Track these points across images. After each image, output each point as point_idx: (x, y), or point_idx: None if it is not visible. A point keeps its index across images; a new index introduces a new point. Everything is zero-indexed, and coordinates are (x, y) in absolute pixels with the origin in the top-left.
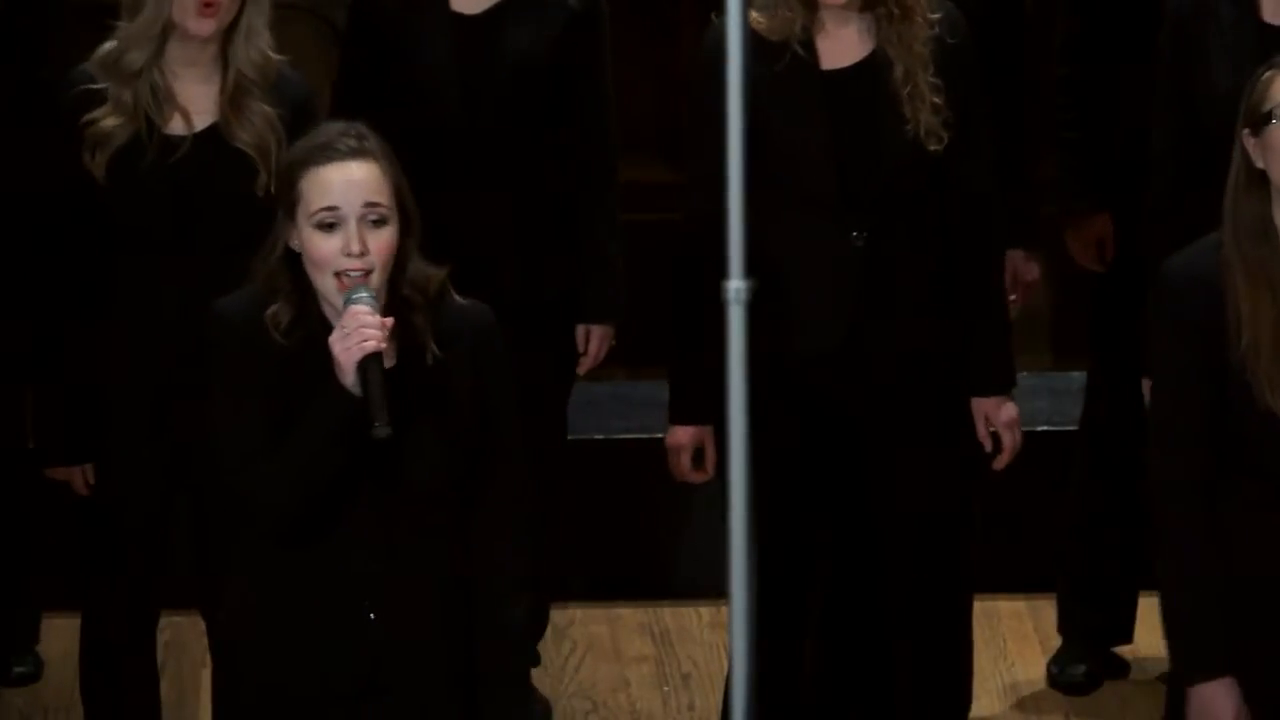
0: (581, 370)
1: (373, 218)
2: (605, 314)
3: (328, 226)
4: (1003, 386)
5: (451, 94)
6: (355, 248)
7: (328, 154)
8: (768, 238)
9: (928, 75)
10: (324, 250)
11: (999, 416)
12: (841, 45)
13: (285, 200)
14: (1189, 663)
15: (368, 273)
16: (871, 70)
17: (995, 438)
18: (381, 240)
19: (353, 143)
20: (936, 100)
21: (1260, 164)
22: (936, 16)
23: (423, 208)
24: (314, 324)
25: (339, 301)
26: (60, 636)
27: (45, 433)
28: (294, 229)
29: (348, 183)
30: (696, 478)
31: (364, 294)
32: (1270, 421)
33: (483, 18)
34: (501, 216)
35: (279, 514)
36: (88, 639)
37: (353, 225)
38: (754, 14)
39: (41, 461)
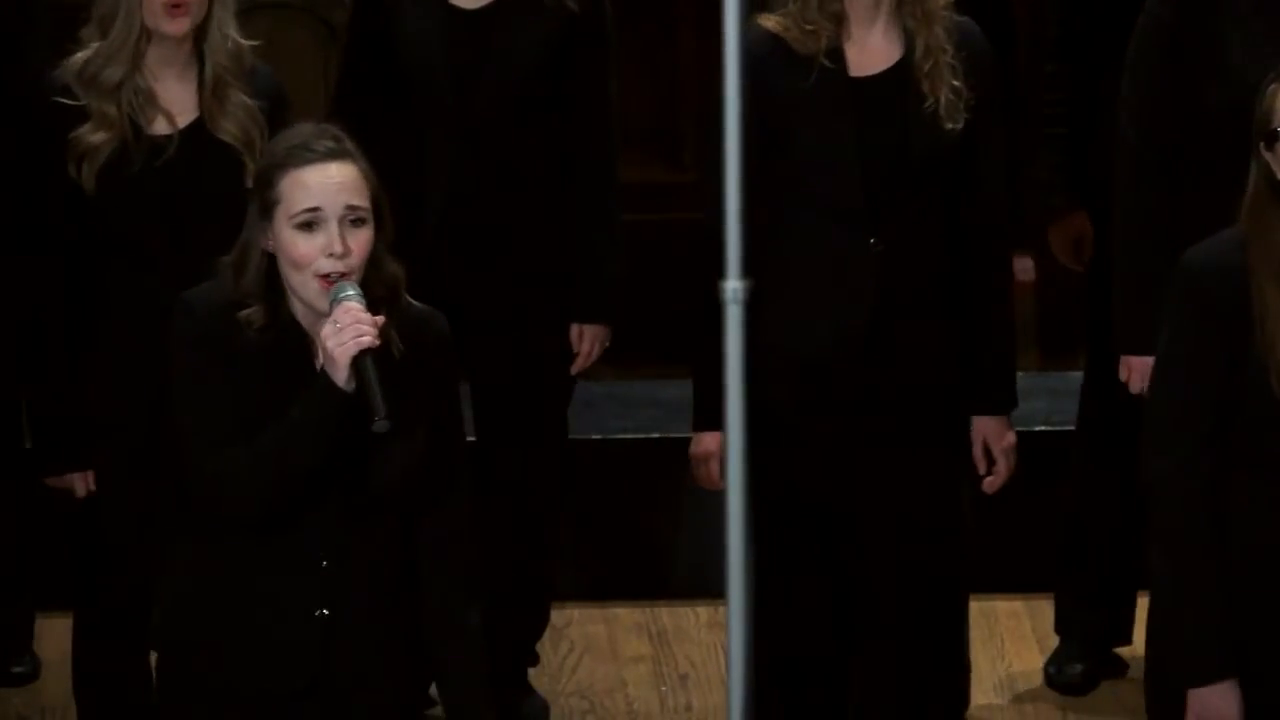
0: (574, 370)
1: (353, 219)
2: (598, 314)
3: (308, 227)
4: (1004, 406)
5: (443, 87)
6: (338, 248)
7: (307, 155)
8: (790, 242)
9: (947, 57)
10: (305, 250)
11: (999, 441)
12: (870, 53)
13: (262, 201)
14: (1189, 665)
15: (346, 273)
16: (900, 75)
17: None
18: (361, 240)
19: (331, 144)
20: (955, 82)
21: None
22: None
23: (417, 202)
24: (285, 323)
25: (320, 302)
26: (58, 637)
27: (44, 441)
28: (270, 230)
29: (329, 184)
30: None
31: (351, 291)
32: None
33: (479, 13)
34: (498, 213)
35: (251, 500)
36: (82, 639)
37: (334, 226)
38: (779, 20)
39: (40, 470)
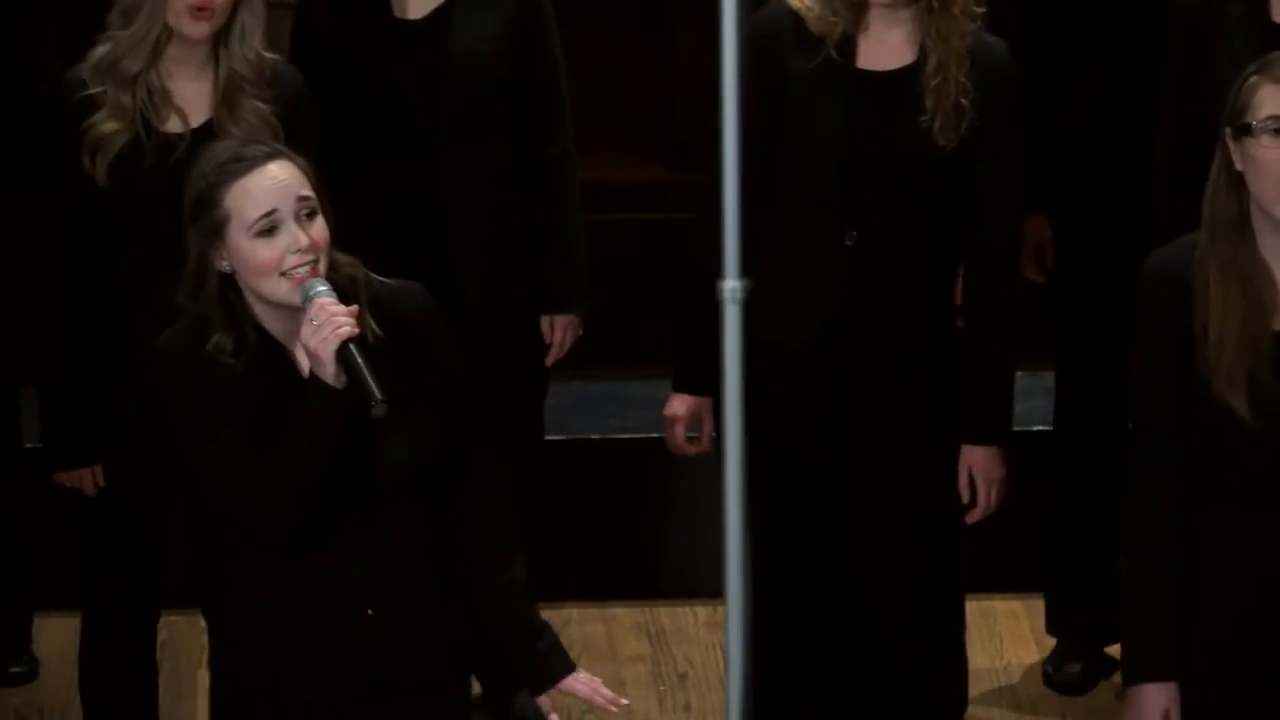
0: (549, 361)
1: (306, 211)
2: (569, 303)
3: (268, 232)
4: (992, 438)
5: (410, 100)
6: (304, 242)
7: (244, 164)
8: (773, 226)
9: (959, 73)
10: (269, 255)
11: (983, 473)
12: (884, 48)
13: (208, 223)
14: (1134, 662)
15: (314, 265)
16: (908, 77)
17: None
18: (318, 230)
19: (262, 147)
20: (963, 101)
21: (1240, 167)
22: (980, 10)
23: (389, 211)
24: (256, 339)
25: (294, 298)
26: (56, 636)
27: (54, 436)
28: (221, 249)
29: (277, 184)
30: (690, 449)
31: (321, 287)
32: (1228, 418)
33: (428, 21)
34: (470, 217)
35: (281, 523)
36: (88, 638)
37: (292, 224)
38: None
39: (51, 465)
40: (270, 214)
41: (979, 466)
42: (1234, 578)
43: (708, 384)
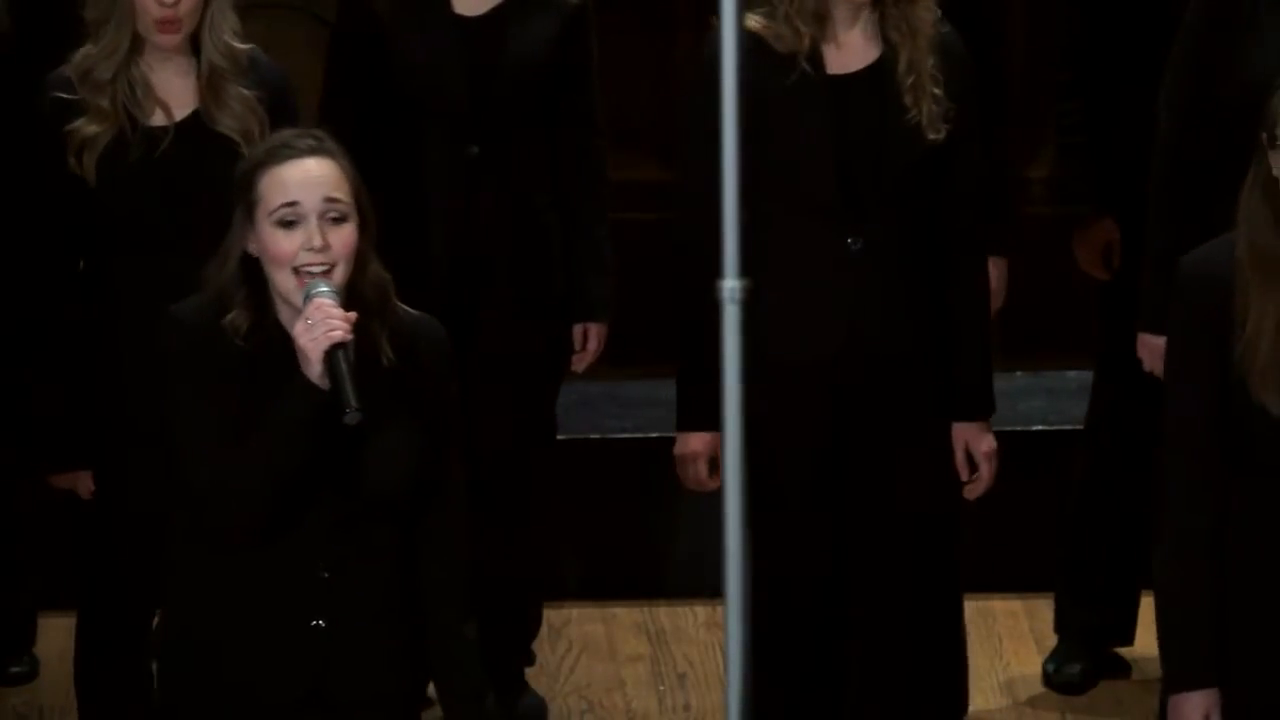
0: (579, 368)
1: (333, 214)
2: (602, 311)
3: (288, 223)
4: (983, 412)
5: (459, 96)
6: (317, 242)
7: (286, 153)
8: (768, 243)
9: (930, 66)
10: (285, 247)
11: (980, 446)
12: (848, 50)
13: (243, 202)
14: (1174, 670)
15: (329, 269)
16: (878, 74)
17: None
18: (342, 236)
19: (311, 141)
20: (937, 91)
21: (1277, 173)
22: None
23: (421, 208)
24: (270, 328)
25: (297, 299)
26: (56, 636)
27: (46, 439)
28: (252, 231)
29: (307, 179)
30: (713, 484)
31: (325, 288)
32: (1262, 418)
33: (485, 19)
34: (502, 217)
35: (244, 507)
36: (84, 638)
37: (313, 221)
38: (754, 18)
39: (43, 468)
40: (292, 205)
41: (975, 442)
42: (1266, 578)
43: (719, 417)
